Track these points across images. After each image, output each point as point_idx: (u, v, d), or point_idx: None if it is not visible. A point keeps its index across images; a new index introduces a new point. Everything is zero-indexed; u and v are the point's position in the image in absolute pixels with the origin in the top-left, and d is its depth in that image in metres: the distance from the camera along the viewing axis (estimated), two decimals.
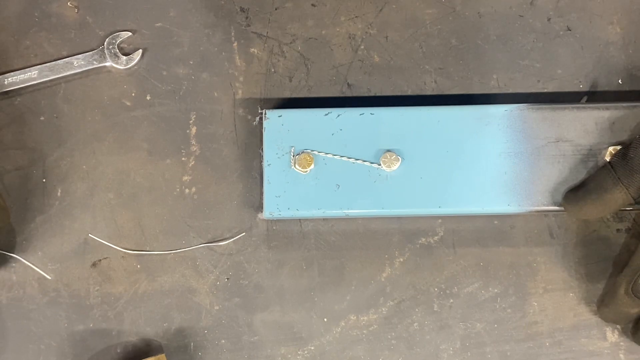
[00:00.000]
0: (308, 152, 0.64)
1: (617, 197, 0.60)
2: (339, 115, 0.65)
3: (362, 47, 0.69)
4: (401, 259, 0.66)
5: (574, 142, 0.64)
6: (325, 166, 0.64)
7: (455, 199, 0.64)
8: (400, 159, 0.64)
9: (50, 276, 0.66)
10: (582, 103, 0.67)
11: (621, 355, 0.65)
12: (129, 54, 0.68)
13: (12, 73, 0.68)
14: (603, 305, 0.63)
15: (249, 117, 0.68)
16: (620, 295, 0.61)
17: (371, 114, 0.65)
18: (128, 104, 0.68)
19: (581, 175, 0.64)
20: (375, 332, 0.65)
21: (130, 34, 0.69)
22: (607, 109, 0.64)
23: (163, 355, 0.64)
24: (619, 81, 0.68)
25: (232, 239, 0.66)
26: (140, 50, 0.68)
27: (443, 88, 0.68)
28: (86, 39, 0.69)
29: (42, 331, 0.65)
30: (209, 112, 0.68)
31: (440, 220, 0.66)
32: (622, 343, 0.65)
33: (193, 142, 0.68)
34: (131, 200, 0.67)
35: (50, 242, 0.66)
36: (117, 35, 0.68)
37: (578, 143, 0.64)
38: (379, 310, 0.66)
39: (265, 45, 0.69)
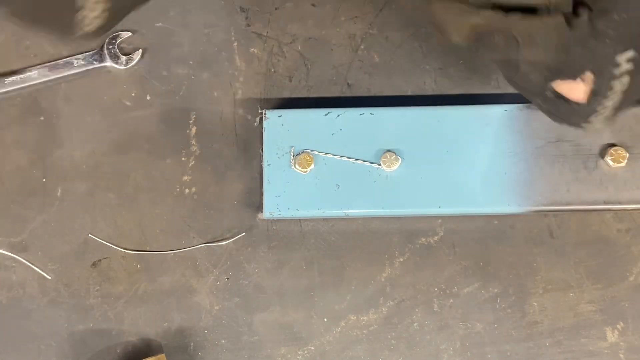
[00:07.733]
0: (308, 152, 0.64)
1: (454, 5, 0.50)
2: (339, 115, 0.65)
3: (362, 47, 0.69)
4: (401, 259, 0.66)
5: (574, 142, 0.64)
6: (325, 166, 0.64)
7: (455, 199, 0.64)
8: (400, 159, 0.64)
9: (50, 276, 0.66)
10: None
11: (621, 355, 0.65)
12: (129, 54, 0.68)
13: (12, 73, 0.68)
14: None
15: (249, 117, 0.68)
16: None
17: (371, 114, 0.65)
18: (128, 104, 0.68)
19: (581, 176, 0.64)
20: (375, 332, 0.65)
21: (130, 34, 0.68)
22: None
23: (163, 355, 0.64)
24: None
25: (232, 239, 0.66)
26: (140, 50, 0.68)
27: (443, 88, 0.68)
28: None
29: (42, 331, 0.65)
30: (209, 112, 0.68)
31: (440, 220, 0.66)
32: (622, 343, 0.65)
33: (193, 142, 0.68)
34: (131, 200, 0.67)
35: (50, 242, 0.66)
36: (117, 35, 0.68)
37: (578, 143, 0.64)
38: (379, 310, 0.65)
39: (265, 45, 0.69)
